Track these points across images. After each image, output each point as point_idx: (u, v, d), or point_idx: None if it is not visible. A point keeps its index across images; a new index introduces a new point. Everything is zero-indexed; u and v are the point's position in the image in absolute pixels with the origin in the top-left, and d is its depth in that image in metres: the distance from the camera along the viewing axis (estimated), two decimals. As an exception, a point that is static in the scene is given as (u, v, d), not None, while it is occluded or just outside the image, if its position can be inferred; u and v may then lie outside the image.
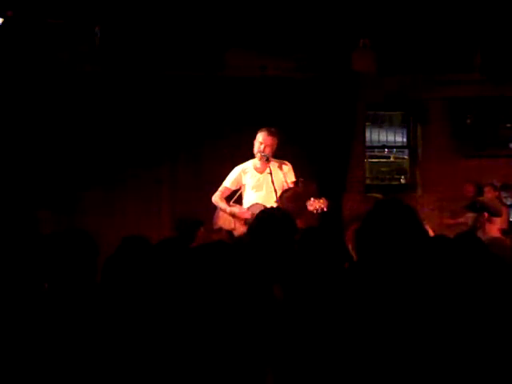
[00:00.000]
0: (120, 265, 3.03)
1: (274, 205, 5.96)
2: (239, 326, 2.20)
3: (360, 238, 2.50)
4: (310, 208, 5.94)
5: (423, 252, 2.44)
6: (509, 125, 9.90)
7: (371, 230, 2.46)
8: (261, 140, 6.33)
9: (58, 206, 8.24)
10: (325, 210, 5.99)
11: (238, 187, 6.53)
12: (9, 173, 8.14)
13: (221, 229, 6.13)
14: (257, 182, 6.41)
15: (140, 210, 8.59)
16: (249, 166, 6.50)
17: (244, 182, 6.48)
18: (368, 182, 9.98)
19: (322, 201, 6.00)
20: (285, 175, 6.32)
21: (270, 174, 6.15)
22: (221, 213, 6.46)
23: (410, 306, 2.28)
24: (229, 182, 6.52)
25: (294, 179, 6.40)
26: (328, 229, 3.06)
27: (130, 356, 2.43)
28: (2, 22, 7.64)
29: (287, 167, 6.43)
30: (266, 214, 3.60)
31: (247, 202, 6.45)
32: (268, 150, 6.29)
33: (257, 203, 6.26)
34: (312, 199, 5.99)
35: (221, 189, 6.52)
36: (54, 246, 2.82)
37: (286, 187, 6.22)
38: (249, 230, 3.60)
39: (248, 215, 6.19)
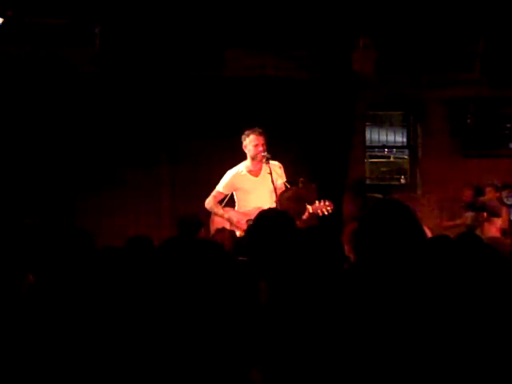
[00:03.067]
0: (126, 263, 3.04)
1: (273, 205, 5.91)
2: (226, 323, 2.20)
3: (358, 239, 2.50)
4: (316, 211, 5.90)
5: (422, 253, 2.44)
6: (509, 125, 9.90)
7: (369, 230, 2.46)
8: (256, 142, 6.18)
9: (57, 206, 8.26)
10: (330, 212, 5.96)
11: (231, 191, 6.41)
12: (8, 172, 8.15)
13: (223, 229, 6.10)
14: (253, 185, 6.28)
15: (140, 209, 8.60)
16: (242, 169, 6.36)
17: (239, 185, 6.33)
18: (368, 181, 9.99)
19: (327, 203, 5.96)
20: (280, 176, 6.23)
21: (270, 173, 5.99)
22: (216, 218, 6.36)
23: (410, 306, 2.28)
24: (222, 187, 6.37)
25: (285, 179, 6.32)
26: (326, 229, 3.06)
27: (123, 353, 2.42)
28: (2, 22, 7.64)
29: (280, 168, 6.32)
30: (264, 214, 3.59)
31: (243, 205, 6.33)
32: (265, 149, 6.14)
33: (258, 207, 6.01)
34: (317, 202, 5.95)
35: (214, 194, 6.39)
36: (47, 241, 2.82)
37: (282, 188, 6.13)
38: (247, 230, 3.60)
39: (245, 224, 5.93)
